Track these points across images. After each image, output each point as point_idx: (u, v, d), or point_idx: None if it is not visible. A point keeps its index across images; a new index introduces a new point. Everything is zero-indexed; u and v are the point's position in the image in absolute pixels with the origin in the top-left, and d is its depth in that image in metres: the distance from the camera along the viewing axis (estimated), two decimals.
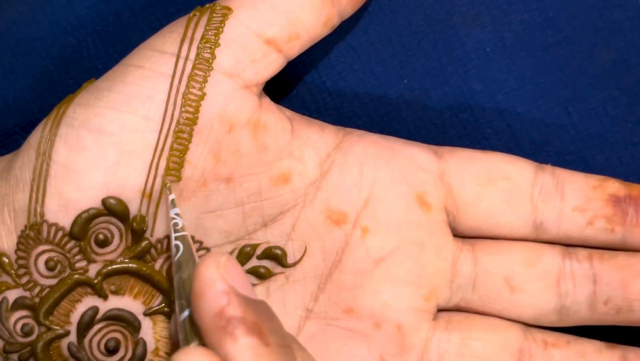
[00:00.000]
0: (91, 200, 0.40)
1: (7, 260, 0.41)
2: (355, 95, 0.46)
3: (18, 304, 0.41)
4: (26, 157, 0.41)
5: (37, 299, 0.41)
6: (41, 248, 0.40)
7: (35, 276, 0.41)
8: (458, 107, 0.46)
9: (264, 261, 0.42)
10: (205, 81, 0.40)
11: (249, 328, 0.34)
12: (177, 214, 0.39)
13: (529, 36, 0.46)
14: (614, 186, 0.42)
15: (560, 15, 0.46)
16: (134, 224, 0.40)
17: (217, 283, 0.34)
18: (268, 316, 0.35)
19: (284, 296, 0.42)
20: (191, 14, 0.41)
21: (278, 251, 0.42)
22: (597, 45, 0.45)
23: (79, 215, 0.40)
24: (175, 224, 0.39)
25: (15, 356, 0.41)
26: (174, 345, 0.41)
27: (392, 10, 0.42)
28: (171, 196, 0.40)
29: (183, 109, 0.40)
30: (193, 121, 0.40)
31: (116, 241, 0.41)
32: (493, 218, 0.42)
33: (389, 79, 0.46)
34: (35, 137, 0.41)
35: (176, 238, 0.39)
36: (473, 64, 0.46)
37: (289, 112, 0.43)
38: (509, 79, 0.46)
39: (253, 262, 0.42)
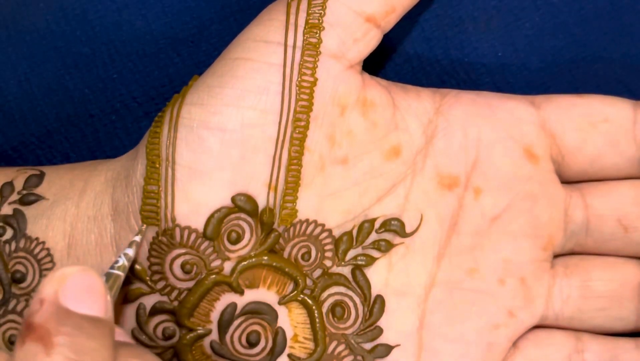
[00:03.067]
0: (220, 199, 0.40)
1: (139, 267, 0.41)
2: None
3: (157, 309, 0.41)
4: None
5: (176, 303, 0.41)
6: (175, 252, 0.40)
7: (172, 280, 0.41)
8: None
9: (384, 234, 0.42)
10: (315, 66, 0.40)
11: (38, 335, 0.33)
12: (125, 254, 0.38)
13: (540, 40, 0.46)
14: None
15: (571, 19, 0.46)
16: (264, 217, 0.41)
17: (40, 291, 0.34)
18: (92, 336, 0.33)
19: (407, 267, 0.42)
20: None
21: (396, 223, 0.42)
22: (607, 48, 0.46)
23: (212, 216, 0.40)
24: (117, 261, 0.38)
25: None
26: (312, 330, 0.42)
27: (405, 16, 0.43)
28: (137, 238, 0.40)
29: (298, 97, 0.40)
30: (309, 108, 0.40)
31: (247, 236, 0.41)
32: (598, 162, 0.43)
33: None
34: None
35: (106, 273, 0.37)
36: (485, 69, 0.46)
37: (384, 82, 0.43)
38: (520, 82, 0.46)
39: (373, 236, 0.42)
